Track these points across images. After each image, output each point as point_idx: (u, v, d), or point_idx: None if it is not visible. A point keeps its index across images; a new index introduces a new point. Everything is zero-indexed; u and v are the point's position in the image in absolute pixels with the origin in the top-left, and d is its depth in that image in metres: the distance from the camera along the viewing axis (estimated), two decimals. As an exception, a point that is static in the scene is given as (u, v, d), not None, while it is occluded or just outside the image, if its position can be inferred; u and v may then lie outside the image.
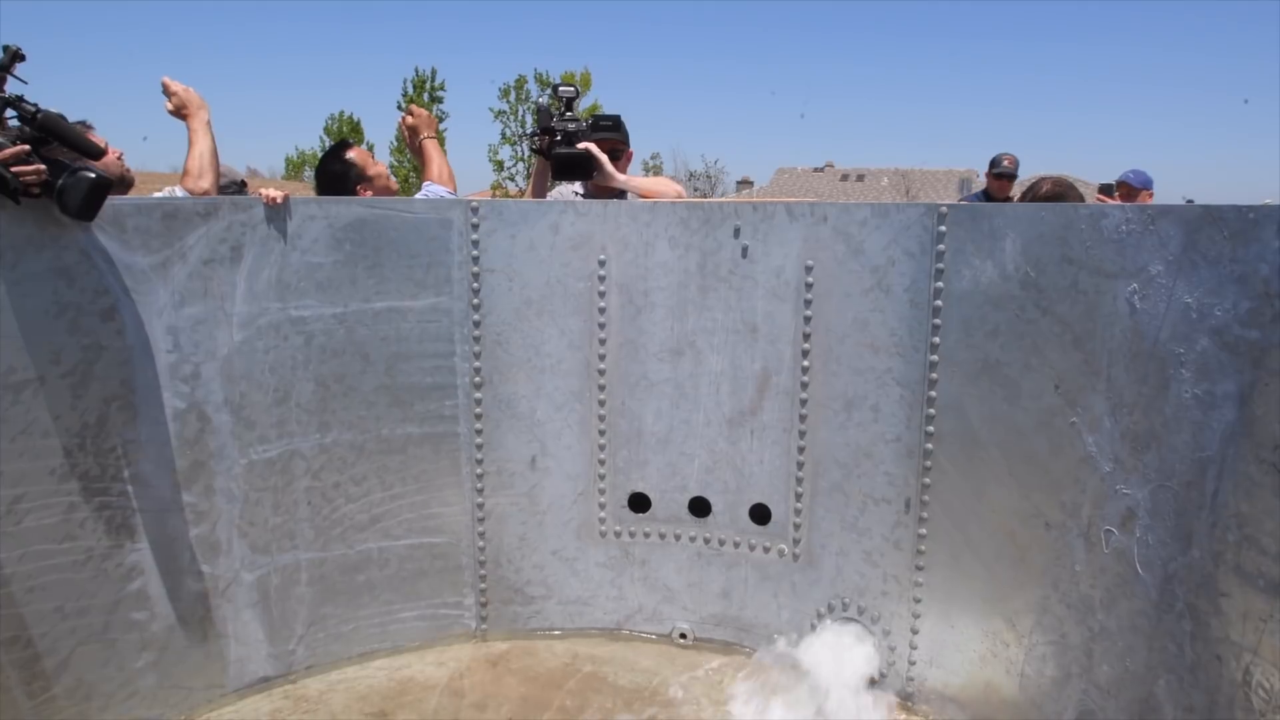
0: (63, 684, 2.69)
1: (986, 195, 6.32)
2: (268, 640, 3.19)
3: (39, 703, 2.63)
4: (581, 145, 3.28)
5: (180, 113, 3.22)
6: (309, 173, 34.11)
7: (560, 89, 3.31)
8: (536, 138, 3.39)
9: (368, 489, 3.32)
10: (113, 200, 2.69)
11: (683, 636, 3.53)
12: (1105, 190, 5.93)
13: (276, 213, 3.00)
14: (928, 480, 3.01)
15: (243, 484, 3.04)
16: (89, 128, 3.06)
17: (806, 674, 3.11)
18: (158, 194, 3.15)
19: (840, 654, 3.17)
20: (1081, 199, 3.43)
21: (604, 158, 3.32)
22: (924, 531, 3.04)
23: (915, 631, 3.13)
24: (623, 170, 3.60)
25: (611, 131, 3.59)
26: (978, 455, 2.87)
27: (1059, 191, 3.37)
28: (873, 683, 3.10)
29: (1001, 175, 6.15)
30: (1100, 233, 2.48)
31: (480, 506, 3.48)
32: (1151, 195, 6.11)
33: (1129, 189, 6.13)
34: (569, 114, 3.27)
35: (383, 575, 3.40)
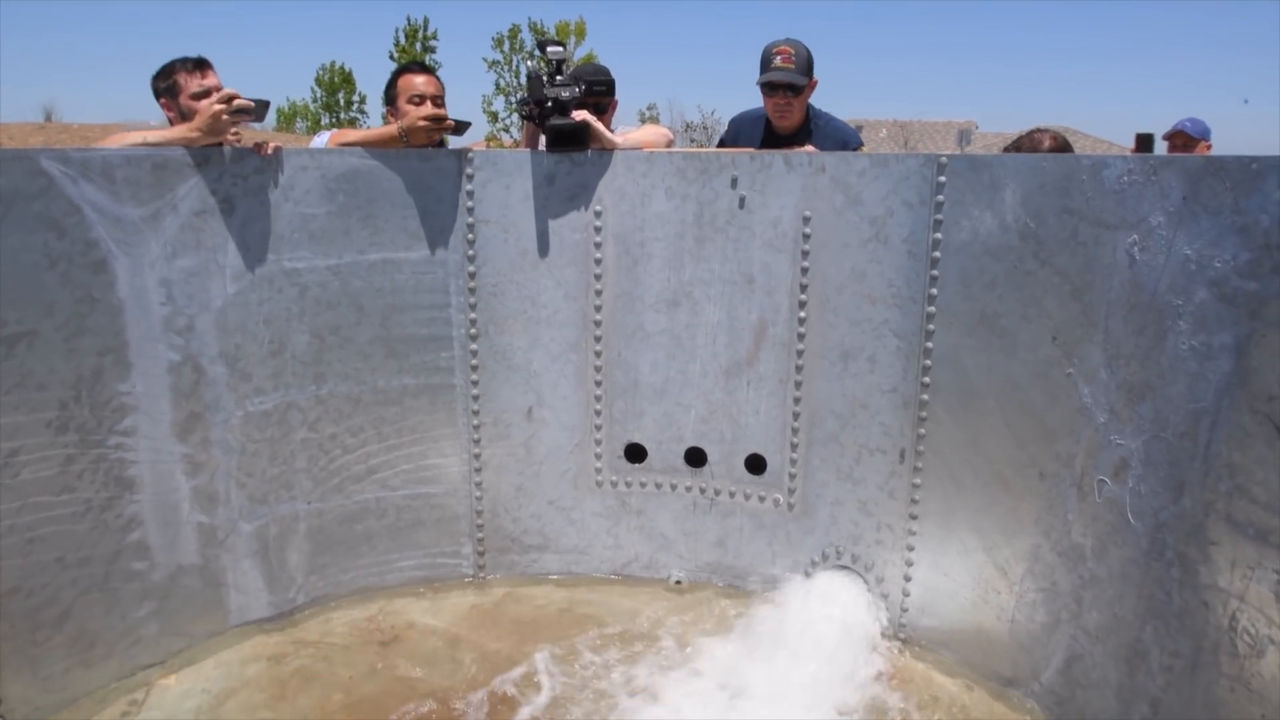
0: (66, 633, 2.72)
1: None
2: (267, 589, 3.22)
3: (43, 650, 2.67)
4: (578, 116, 3.17)
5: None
6: (301, 125, 33.58)
7: (549, 50, 3.13)
8: (527, 105, 3.24)
9: (364, 440, 3.33)
10: (100, 150, 2.66)
11: (678, 583, 3.57)
12: (1144, 141, 4.66)
13: (268, 164, 2.96)
14: (923, 431, 3.02)
15: (239, 435, 3.05)
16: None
17: (799, 619, 3.16)
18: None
19: (833, 601, 3.21)
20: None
21: (600, 126, 3.23)
22: (918, 481, 3.07)
23: (908, 579, 3.17)
24: (609, 120, 3.55)
25: (605, 95, 3.51)
26: (973, 406, 2.88)
27: (1058, 147, 3.33)
28: (866, 629, 3.15)
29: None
30: (1101, 184, 2.46)
31: (477, 457, 3.50)
32: (1210, 147, 5.29)
33: (1186, 138, 5.32)
34: (559, 79, 3.13)
35: (381, 525, 3.42)
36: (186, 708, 2.79)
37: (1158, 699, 2.38)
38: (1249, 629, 2.09)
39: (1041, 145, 3.26)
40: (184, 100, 3.09)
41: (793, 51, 3.54)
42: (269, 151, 2.95)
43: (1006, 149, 3.42)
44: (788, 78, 3.52)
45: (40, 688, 2.68)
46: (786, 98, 3.59)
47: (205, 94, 3.11)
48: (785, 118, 3.65)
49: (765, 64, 3.59)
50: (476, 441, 3.48)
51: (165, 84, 3.15)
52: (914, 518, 3.11)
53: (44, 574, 2.65)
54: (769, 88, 3.58)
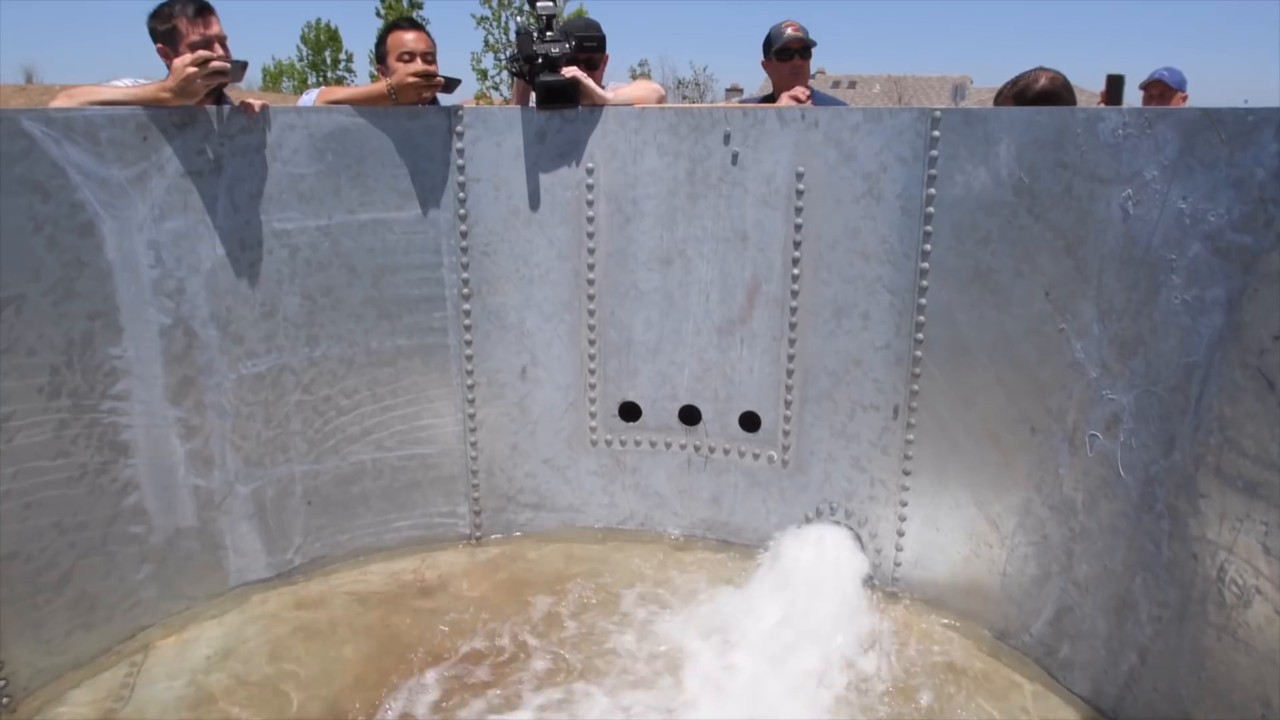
0: (66, 596, 2.74)
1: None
2: (265, 550, 3.24)
3: (44, 614, 2.69)
4: (568, 73, 3.13)
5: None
6: (288, 84, 33.06)
7: (539, 5, 3.08)
8: (516, 62, 3.20)
9: (358, 402, 3.33)
10: (82, 111, 2.62)
11: (673, 540, 3.60)
12: (1114, 85, 4.47)
13: (255, 123, 2.92)
14: (916, 387, 3.03)
15: (233, 399, 3.04)
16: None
17: (793, 574, 3.19)
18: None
19: (827, 556, 3.25)
20: (1075, 102, 3.32)
21: (590, 83, 3.19)
22: (911, 437, 3.08)
23: (901, 534, 3.20)
24: (600, 76, 3.50)
25: (596, 51, 3.46)
26: (966, 362, 2.89)
27: (1054, 90, 3.23)
28: (859, 583, 3.19)
29: None
30: (1096, 137, 2.44)
31: (471, 417, 3.50)
32: (1186, 99, 5.21)
33: (1164, 88, 5.19)
34: (550, 34, 3.09)
35: (377, 486, 3.44)
36: (187, 667, 2.82)
37: (1146, 648, 2.42)
38: (1236, 579, 2.12)
39: (1036, 84, 3.16)
40: (182, 49, 2.95)
41: (800, 24, 3.99)
42: (256, 110, 2.90)
43: (1002, 88, 3.34)
44: (805, 37, 3.94)
45: (42, 650, 2.70)
46: (803, 60, 3.97)
47: (207, 44, 2.97)
48: (800, 78, 3.96)
49: (778, 37, 3.96)
50: (471, 401, 3.48)
51: (164, 28, 3.00)
52: (907, 473, 3.13)
53: (42, 538, 2.66)
54: (785, 52, 3.94)
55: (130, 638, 2.91)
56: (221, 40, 3.07)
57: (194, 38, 2.97)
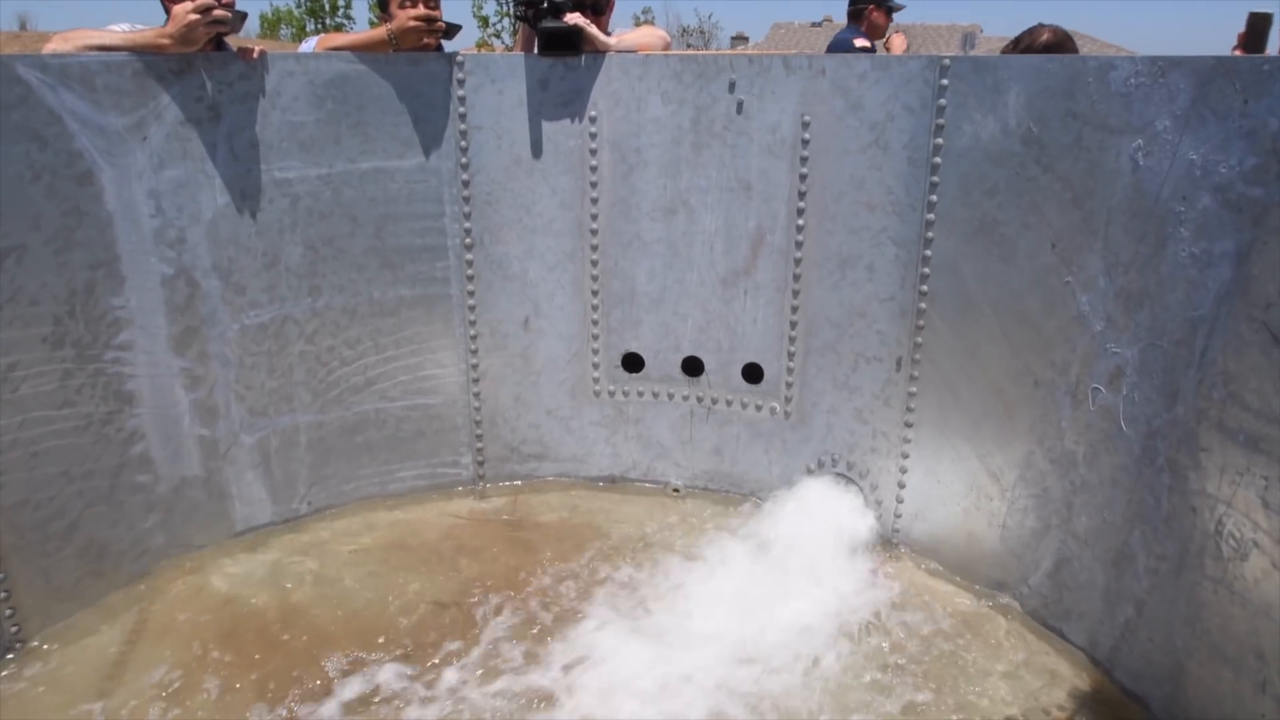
0: (75, 544, 2.77)
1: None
2: (271, 499, 3.27)
3: (54, 561, 2.72)
4: (570, 19, 3.08)
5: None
6: (286, 31, 32.50)
7: None
8: (521, 7, 3.16)
9: (362, 352, 3.33)
10: (78, 57, 2.58)
11: (676, 491, 3.63)
12: (1259, 24, 3.29)
13: (254, 70, 2.87)
14: (920, 340, 3.02)
15: (236, 349, 3.05)
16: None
17: (795, 525, 3.22)
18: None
19: (829, 507, 3.27)
20: (1077, 52, 3.27)
21: (594, 30, 3.13)
22: (914, 390, 3.08)
23: (902, 486, 3.22)
24: (607, 21, 3.44)
25: None
26: (970, 314, 2.88)
27: (1058, 42, 3.21)
28: (860, 535, 3.21)
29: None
30: (1108, 86, 2.40)
31: (475, 368, 3.51)
32: None
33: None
34: None
35: (381, 436, 3.46)
36: (195, 612, 2.87)
37: (1142, 601, 2.45)
38: (1234, 533, 2.13)
39: (1039, 39, 3.16)
40: None
41: None
42: (254, 55, 2.86)
43: (1005, 49, 3.32)
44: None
45: (53, 596, 2.74)
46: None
47: None
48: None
49: None
50: (474, 352, 3.49)
51: None
52: (909, 425, 3.14)
53: (50, 487, 2.68)
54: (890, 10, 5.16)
55: (139, 584, 2.95)
56: None
57: None
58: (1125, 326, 2.44)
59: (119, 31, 2.79)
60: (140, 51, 2.67)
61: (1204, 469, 2.22)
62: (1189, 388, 2.26)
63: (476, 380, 3.53)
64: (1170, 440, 2.33)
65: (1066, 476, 2.68)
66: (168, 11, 2.88)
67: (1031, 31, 3.23)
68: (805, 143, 3.04)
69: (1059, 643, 2.75)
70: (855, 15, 5.37)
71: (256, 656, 2.68)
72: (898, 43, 5.63)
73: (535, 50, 3.18)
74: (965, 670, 2.67)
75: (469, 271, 3.38)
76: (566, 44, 3.10)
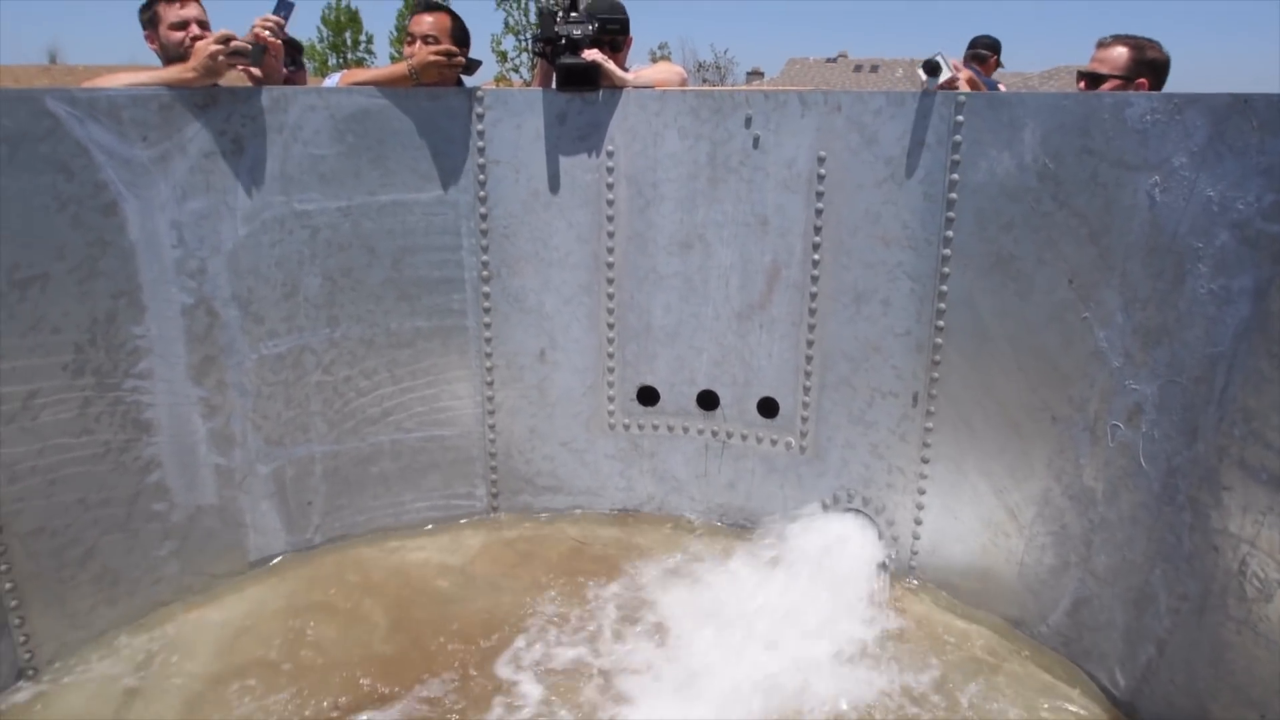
0: (90, 571, 2.78)
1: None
2: (285, 529, 3.27)
3: (69, 588, 2.73)
4: (588, 55, 3.12)
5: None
6: (309, 65, 33.05)
7: None
8: (540, 43, 3.21)
9: (378, 383, 3.34)
10: (105, 90, 2.63)
11: (690, 525, 3.61)
12: None
13: (277, 104, 2.92)
14: (936, 374, 3.01)
15: (254, 378, 3.07)
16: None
17: (810, 561, 3.19)
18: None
19: (844, 543, 3.24)
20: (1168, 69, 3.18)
21: (611, 65, 3.18)
22: (930, 425, 3.07)
23: (919, 522, 3.19)
24: (624, 57, 3.48)
25: (619, 33, 3.44)
26: (987, 350, 2.87)
27: (1164, 59, 3.12)
28: (876, 571, 3.18)
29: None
30: (1124, 123, 2.41)
31: (490, 399, 3.51)
32: None
33: None
34: (574, 15, 3.08)
35: (395, 467, 3.46)
36: (208, 641, 2.86)
37: (1164, 641, 2.41)
38: (1258, 573, 2.10)
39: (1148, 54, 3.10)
40: (163, 31, 3.07)
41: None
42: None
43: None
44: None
45: (67, 623, 2.74)
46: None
47: (183, 25, 3.08)
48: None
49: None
50: (489, 384, 3.50)
51: (146, 15, 3.11)
52: (925, 461, 3.11)
53: (66, 514, 2.70)
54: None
55: (153, 612, 2.95)
56: (200, 22, 3.14)
57: (172, 18, 3.08)
58: (1144, 363, 2.42)
59: (146, 70, 2.88)
60: (167, 87, 2.73)
61: (1226, 507, 2.19)
62: (1209, 425, 2.24)
63: (492, 412, 3.53)
64: (1191, 478, 2.30)
65: (1085, 514, 2.65)
66: (159, 54, 3.01)
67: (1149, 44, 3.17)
68: (821, 178, 3.05)
69: (1079, 683, 2.70)
70: (979, 59, 5.94)
71: (270, 687, 2.67)
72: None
73: (553, 85, 3.22)
74: (982, 710, 2.62)
75: (485, 304, 3.40)
76: (584, 79, 3.14)
